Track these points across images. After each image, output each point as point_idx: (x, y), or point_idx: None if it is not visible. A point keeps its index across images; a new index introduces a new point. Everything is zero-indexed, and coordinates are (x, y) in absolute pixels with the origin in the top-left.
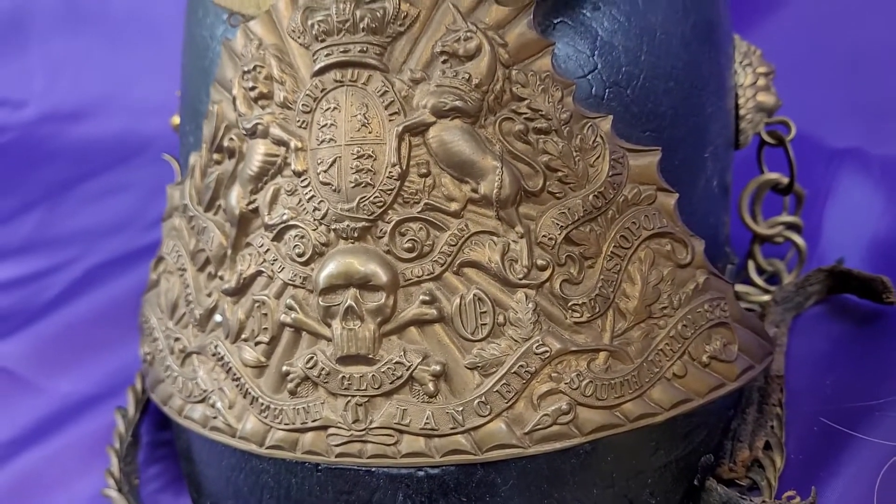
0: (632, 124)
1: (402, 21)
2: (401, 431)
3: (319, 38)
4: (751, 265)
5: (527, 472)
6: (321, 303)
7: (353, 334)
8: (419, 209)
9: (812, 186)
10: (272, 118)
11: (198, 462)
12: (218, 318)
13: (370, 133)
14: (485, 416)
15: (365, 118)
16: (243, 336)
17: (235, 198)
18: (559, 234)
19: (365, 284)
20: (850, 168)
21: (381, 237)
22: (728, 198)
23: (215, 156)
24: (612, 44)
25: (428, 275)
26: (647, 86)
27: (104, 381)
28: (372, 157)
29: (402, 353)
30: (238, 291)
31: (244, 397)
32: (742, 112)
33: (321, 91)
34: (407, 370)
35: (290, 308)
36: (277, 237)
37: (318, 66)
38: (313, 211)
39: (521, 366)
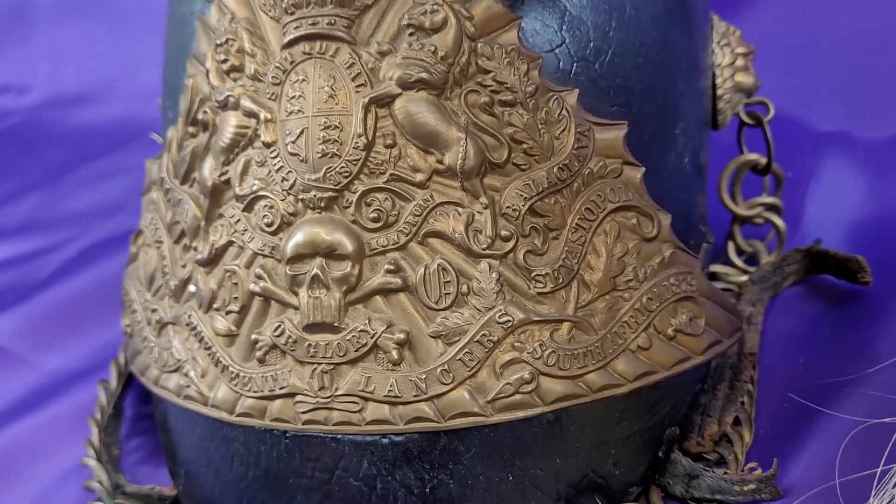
0: (600, 99)
1: None
2: (365, 399)
3: (289, 11)
4: (730, 246)
5: (489, 441)
6: (288, 272)
7: (318, 302)
8: (385, 179)
9: (798, 170)
10: (243, 90)
11: (173, 431)
12: (192, 288)
13: (337, 104)
14: (447, 384)
15: (332, 90)
16: (215, 306)
17: (208, 169)
18: (523, 206)
19: (331, 253)
20: (835, 151)
21: (348, 207)
22: (704, 177)
23: (190, 129)
24: (581, 19)
25: (393, 244)
26: (616, 61)
27: (92, 356)
28: (338, 127)
29: (367, 321)
30: (210, 262)
31: (216, 366)
32: (720, 92)
33: (290, 63)
34: (371, 338)
35: (259, 277)
36: (248, 208)
37: (287, 39)
38: (282, 181)
39: (484, 335)
